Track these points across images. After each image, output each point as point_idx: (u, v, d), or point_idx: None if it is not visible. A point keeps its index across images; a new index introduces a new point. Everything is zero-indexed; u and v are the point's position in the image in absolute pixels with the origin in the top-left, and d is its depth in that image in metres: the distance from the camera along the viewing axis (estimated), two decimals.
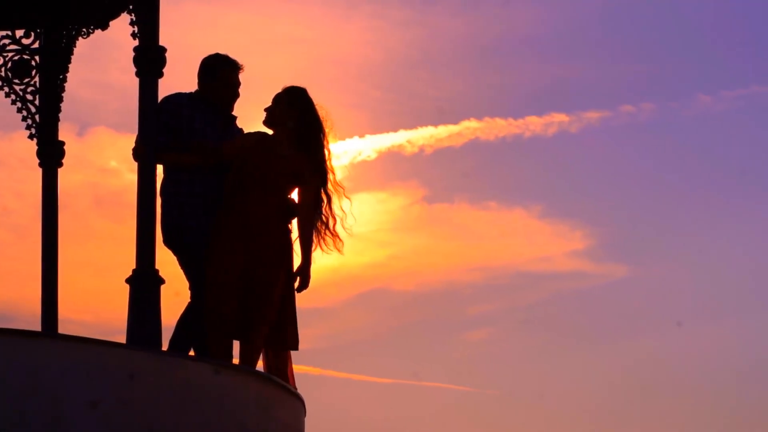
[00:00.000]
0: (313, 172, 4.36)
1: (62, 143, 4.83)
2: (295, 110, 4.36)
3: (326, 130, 4.45)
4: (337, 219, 4.43)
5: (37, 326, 4.74)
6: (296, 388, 4.46)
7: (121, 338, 3.90)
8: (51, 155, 4.72)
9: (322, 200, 4.38)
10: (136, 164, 4.04)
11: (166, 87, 4.21)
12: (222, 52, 4.48)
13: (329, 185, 4.39)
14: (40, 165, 4.74)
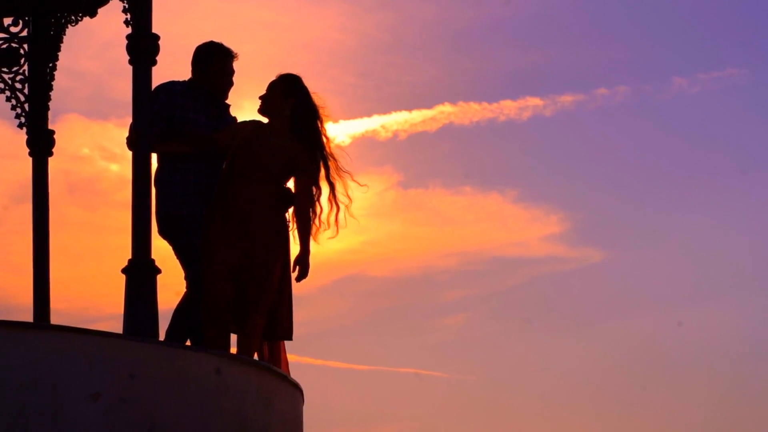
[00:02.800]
0: (309, 161, 4.34)
1: (52, 132, 4.77)
2: (290, 98, 4.33)
3: (323, 118, 4.43)
4: (341, 207, 4.42)
5: (25, 317, 4.68)
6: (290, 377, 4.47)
7: (111, 329, 3.86)
8: (41, 144, 4.66)
9: (319, 189, 4.37)
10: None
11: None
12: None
13: (331, 173, 4.37)
14: (30, 154, 4.68)
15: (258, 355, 4.43)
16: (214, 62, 4.39)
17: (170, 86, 4.36)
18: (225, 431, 3.47)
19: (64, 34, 4.51)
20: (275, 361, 4.50)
